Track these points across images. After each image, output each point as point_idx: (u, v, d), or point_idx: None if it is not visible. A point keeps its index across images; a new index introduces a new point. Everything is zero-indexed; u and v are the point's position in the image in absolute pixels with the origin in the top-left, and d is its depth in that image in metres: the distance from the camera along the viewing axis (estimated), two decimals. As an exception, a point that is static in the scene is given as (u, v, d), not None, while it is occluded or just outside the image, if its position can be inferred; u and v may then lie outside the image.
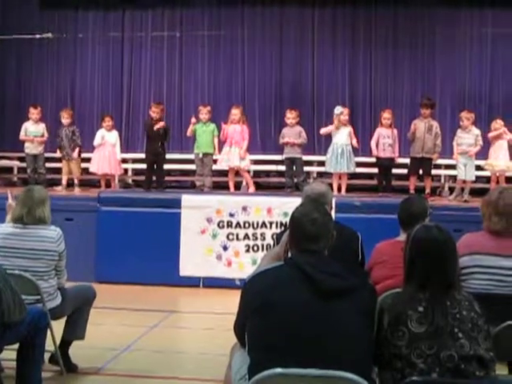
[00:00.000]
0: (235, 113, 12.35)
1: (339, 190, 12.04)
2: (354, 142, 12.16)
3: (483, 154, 11.86)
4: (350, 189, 12.37)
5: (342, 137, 12.03)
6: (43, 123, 12.99)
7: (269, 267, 3.96)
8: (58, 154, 12.92)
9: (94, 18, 14.80)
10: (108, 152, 12.74)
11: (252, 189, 12.39)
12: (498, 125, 11.72)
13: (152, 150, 12.39)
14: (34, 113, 12.84)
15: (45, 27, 14.38)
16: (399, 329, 3.63)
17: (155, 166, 12.47)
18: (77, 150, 12.81)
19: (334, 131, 12.08)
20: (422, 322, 3.61)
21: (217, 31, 14.37)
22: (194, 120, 12.44)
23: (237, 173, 12.54)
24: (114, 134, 12.95)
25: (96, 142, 12.79)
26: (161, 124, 12.36)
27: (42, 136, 12.86)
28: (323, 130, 12.46)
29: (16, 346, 5.54)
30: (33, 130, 12.77)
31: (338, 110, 12.19)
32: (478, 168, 11.87)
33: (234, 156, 12.22)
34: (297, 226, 3.94)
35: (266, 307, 3.66)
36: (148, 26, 14.69)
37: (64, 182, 12.71)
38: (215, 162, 12.56)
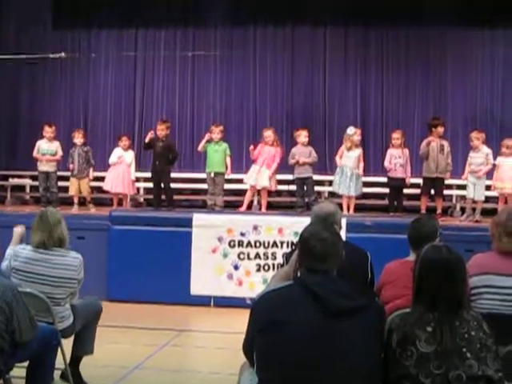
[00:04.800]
0: (268, 134, 12.24)
1: (349, 209, 12.00)
2: (361, 166, 12.03)
3: (492, 174, 11.77)
4: (361, 208, 12.36)
5: (352, 159, 11.96)
6: (57, 142, 12.93)
7: (278, 286, 3.97)
8: (69, 173, 12.86)
9: (107, 37, 14.91)
10: (123, 171, 12.76)
11: (263, 209, 12.35)
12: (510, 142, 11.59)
13: (155, 168, 12.45)
14: (49, 131, 12.79)
15: (58, 47, 14.45)
16: (407, 349, 3.63)
17: (162, 185, 12.50)
18: (91, 169, 12.83)
19: (345, 152, 12.03)
20: (431, 341, 3.61)
21: (229, 51, 14.43)
22: (208, 136, 12.41)
23: (258, 192, 12.47)
24: (131, 153, 13.00)
25: (112, 160, 12.82)
26: (149, 135, 12.43)
27: (55, 154, 12.80)
28: (338, 156, 12.16)
29: (26, 363, 5.56)
30: (45, 148, 12.72)
31: (351, 130, 12.11)
32: (489, 188, 11.81)
33: (262, 177, 12.16)
34: (306, 246, 3.94)
35: (274, 326, 3.66)
36: (160, 45, 14.79)
37: (76, 200, 12.70)
38: (227, 181, 12.57)
